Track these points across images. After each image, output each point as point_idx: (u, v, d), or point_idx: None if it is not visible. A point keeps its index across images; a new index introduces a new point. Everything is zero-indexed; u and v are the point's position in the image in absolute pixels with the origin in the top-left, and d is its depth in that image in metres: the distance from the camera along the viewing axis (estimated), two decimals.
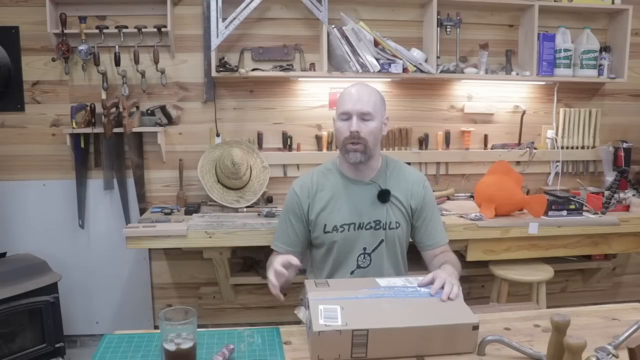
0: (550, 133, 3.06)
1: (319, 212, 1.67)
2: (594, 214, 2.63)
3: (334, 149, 2.88)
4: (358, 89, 1.65)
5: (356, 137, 1.59)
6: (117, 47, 2.62)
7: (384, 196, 1.65)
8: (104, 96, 2.67)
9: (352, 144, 1.61)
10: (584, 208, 2.65)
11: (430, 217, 1.70)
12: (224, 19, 2.57)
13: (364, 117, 1.60)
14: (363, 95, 1.62)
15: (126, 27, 2.63)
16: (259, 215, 2.53)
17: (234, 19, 2.57)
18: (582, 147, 3.09)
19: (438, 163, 2.98)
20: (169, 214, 2.59)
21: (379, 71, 2.65)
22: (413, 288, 1.30)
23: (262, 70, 2.74)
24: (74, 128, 2.62)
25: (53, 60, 2.62)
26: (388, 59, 2.67)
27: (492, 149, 3.02)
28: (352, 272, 1.66)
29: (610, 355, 1.12)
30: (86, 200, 2.81)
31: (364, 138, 1.60)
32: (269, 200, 2.78)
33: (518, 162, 3.04)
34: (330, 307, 1.16)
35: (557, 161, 3.07)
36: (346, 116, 1.62)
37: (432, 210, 1.71)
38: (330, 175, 1.72)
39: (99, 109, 2.66)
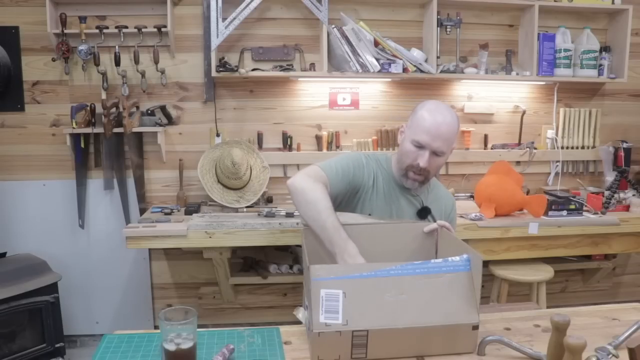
0: (550, 133, 3.06)
1: (366, 201, 1.64)
2: (594, 214, 2.63)
3: (334, 149, 2.89)
4: (440, 121, 1.54)
5: (423, 171, 1.57)
6: (117, 47, 2.62)
7: (424, 213, 1.64)
8: (104, 96, 2.67)
9: (415, 173, 1.59)
10: (584, 208, 2.65)
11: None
12: (224, 19, 2.57)
13: (437, 153, 1.56)
14: (444, 130, 1.54)
15: (126, 27, 2.63)
16: (259, 215, 2.53)
17: (234, 19, 2.57)
18: (582, 147, 3.10)
19: None
20: (169, 214, 2.59)
21: (379, 71, 2.65)
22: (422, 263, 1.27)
23: (262, 70, 2.74)
24: (74, 128, 2.62)
25: (53, 60, 2.62)
26: (388, 59, 2.67)
27: (492, 149, 3.02)
28: None
29: (610, 355, 1.12)
30: (86, 200, 2.81)
31: (429, 171, 1.58)
32: (269, 200, 2.78)
33: (518, 162, 3.04)
34: (333, 292, 1.14)
35: (557, 161, 3.07)
36: (419, 145, 1.55)
37: (454, 228, 1.70)
38: (385, 175, 1.68)
39: (99, 109, 2.66)
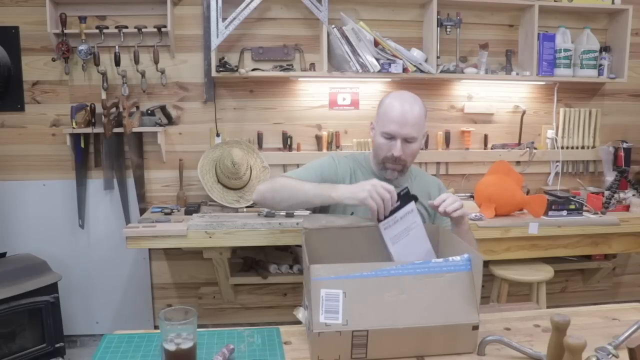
0: (550, 133, 3.06)
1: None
2: (594, 214, 2.63)
3: (334, 148, 2.89)
4: (405, 108, 1.57)
5: (398, 160, 1.59)
6: (117, 47, 2.63)
7: (406, 197, 1.64)
8: (104, 96, 2.67)
9: (392, 163, 1.60)
10: (584, 208, 2.65)
11: None
12: (224, 19, 2.57)
13: (408, 140, 1.58)
14: (409, 115, 1.56)
15: (126, 27, 2.63)
16: (259, 215, 2.53)
17: (234, 19, 2.58)
18: (582, 147, 3.10)
19: (438, 163, 2.98)
20: (169, 214, 2.59)
21: (379, 71, 2.65)
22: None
23: (262, 70, 2.74)
24: (74, 128, 2.62)
25: (53, 60, 2.62)
26: (388, 59, 2.67)
27: (492, 149, 3.02)
28: None
29: (610, 355, 1.12)
30: (86, 200, 2.81)
31: (405, 160, 1.60)
32: None
33: (518, 162, 3.04)
34: (333, 292, 1.15)
35: (557, 161, 3.07)
36: (389, 136, 1.58)
37: None
38: (364, 170, 1.70)
39: (99, 109, 2.66)
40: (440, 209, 1.44)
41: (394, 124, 1.57)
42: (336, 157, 1.71)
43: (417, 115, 1.58)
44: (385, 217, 1.39)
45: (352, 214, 1.61)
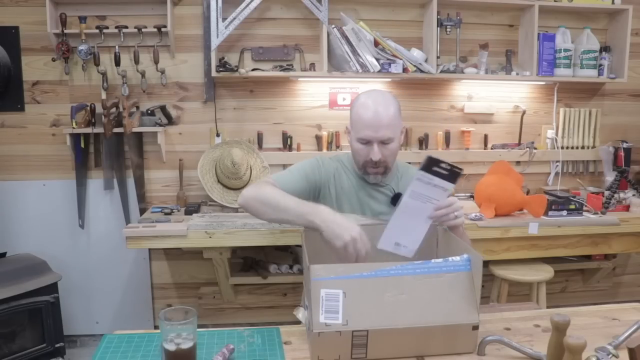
0: (550, 133, 3.06)
1: (333, 200, 1.64)
2: (594, 214, 2.63)
3: (334, 148, 2.89)
4: (378, 110, 1.54)
5: (378, 163, 1.57)
6: (117, 47, 2.62)
7: (397, 200, 1.64)
8: (104, 96, 2.67)
9: (373, 167, 1.59)
10: (584, 208, 2.65)
11: None
12: (224, 19, 2.57)
13: (384, 142, 1.56)
14: (382, 118, 1.54)
15: (126, 27, 2.63)
16: None
17: (234, 19, 2.58)
18: (582, 147, 3.10)
19: None
20: (169, 214, 2.59)
21: (379, 71, 2.65)
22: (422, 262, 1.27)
23: (262, 70, 2.74)
24: (74, 128, 2.62)
25: (53, 60, 2.62)
26: (388, 59, 2.67)
27: (492, 149, 3.02)
28: None
29: (610, 355, 1.12)
30: (86, 200, 2.81)
31: (385, 160, 1.58)
32: None
33: (518, 162, 3.04)
34: (332, 292, 1.15)
35: (557, 161, 3.07)
36: (365, 141, 1.56)
37: None
38: (348, 172, 1.69)
39: (99, 109, 2.66)
40: (437, 220, 1.40)
41: (368, 129, 1.54)
42: (320, 160, 1.69)
43: (391, 115, 1.55)
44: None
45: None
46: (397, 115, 1.59)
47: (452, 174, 1.34)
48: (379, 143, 1.55)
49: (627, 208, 2.73)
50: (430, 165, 1.31)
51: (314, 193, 1.64)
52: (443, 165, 1.31)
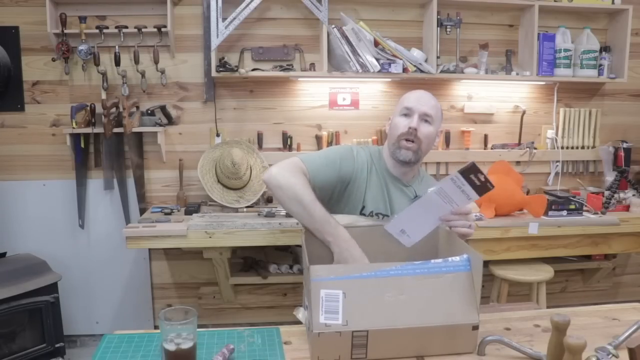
0: (550, 133, 3.06)
1: (362, 192, 1.63)
2: (594, 214, 2.63)
3: None
4: (424, 93, 1.67)
5: (413, 134, 1.59)
6: (117, 47, 2.63)
7: None
8: (104, 96, 2.67)
9: (407, 140, 1.60)
10: (584, 208, 2.65)
11: None
12: (224, 19, 2.57)
13: (425, 117, 1.61)
14: (427, 98, 1.65)
15: (126, 27, 2.63)
16: (259, 215, 2.53)
17: (234, 19, 2.58)
18: (582, 147, 3.10)
19: (438, 163, 2.98)
20: (169, 214, 2.59)
21: (379, 71, 2.65)
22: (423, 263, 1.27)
23: (262, 70, 2.74)
24: (74, 128, 2.62)
25: (53, 60, 2.62)
26: (388, 59, 2.67)
27: (492, 149, 3.02)
28: None
29: (610, 355, 1.12)
30: (86, 200, 2.81)
31: (420, 139, 1.60)
32: (269, 200, 2.78)
33: (518, 162, 3.04)
34: (332, 293, 1.15)
35: (557, 161, 3.07)
36: (408, 111, 1.62)
37: None
38: (378, 166, 1.69)
39: (99, 109, 2.66)
40: (451, 224, 1.41)
41: (413, 101, 1.63)
42: (355, 150, 1.68)
43: (435, 103, 1.66)
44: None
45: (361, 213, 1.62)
46: (439, 108, 1.68)
47: (483, 188, 1.34)
48: (419, 116, 1.61)
49: (627, 208, 2.73)
50: (470, 172, 1.32)
51: (342, 185, 1.62)
52: (480, 176, 1.31)
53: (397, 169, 1.67)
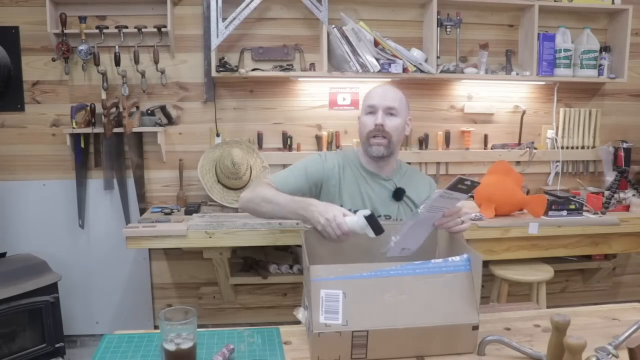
0: (550, 133, 3.06)
1: (336, 193, 1.67)
2: (594, 214, 2.63)
3: (334, 148, 2.89)
4: (384, 87, 1.72)
5: (381, 130, 1.63)
6: (117, 47, 2.62)
7: (398, 194, 1.68)
8: (104, 96, 2.67)
9: (376, 137, 1.64)
10: (584, 208, 2.65)
11: None
12: (224, 19, 2.57)
13: (389, 111, 1.65)
14: (389, 92, 1.68)
15: (126, 27, 2.63)
16: None
17: (234, 19, 2.58)
18: (582, 147, 3.10)
19: (438, 163, 2.98)
20: (169, 214, 2.59)
21: (379, 71, 2.65)
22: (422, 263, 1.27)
23: (262, 70, 2.74)
24: (74, 128, 2.62)
25: (53, 60, 2.62)
26: (388, 59, 2.67)
27: (492, 149, 3.02)
28: None
29: (610, 355, 1.12)
30: (86, 200, 2.81)
31: (388, 132, 1.64)
32: None
33: (518, 162, 3.04)
34: (332, 293, 1.15)
35: (557, 161, 3.07)
36: (372, 109, 1.66)
37: None
38: (352, 165, 1.73)
39: (99, 109, 2.66)
40: (444, 227, 1.41)
41: (375, 99, 1.67)
42: (323, 155, 1.75)
43: (398, 95, 1.68)
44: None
45: (355, 212, 1.62)
46: (402, 98, 1.69)
47: (470, 188, 1.35)
48: (383, 111, 1.64)
49: (627, 208, 2.73)
50: (457, 184, 1.32)
51: (315, 188, 1.68)
52: (466, 182, 1.32)
53: (373, 164, 1.71)
